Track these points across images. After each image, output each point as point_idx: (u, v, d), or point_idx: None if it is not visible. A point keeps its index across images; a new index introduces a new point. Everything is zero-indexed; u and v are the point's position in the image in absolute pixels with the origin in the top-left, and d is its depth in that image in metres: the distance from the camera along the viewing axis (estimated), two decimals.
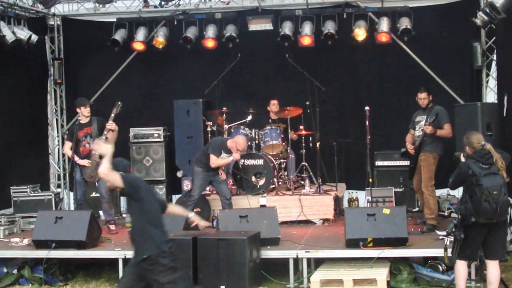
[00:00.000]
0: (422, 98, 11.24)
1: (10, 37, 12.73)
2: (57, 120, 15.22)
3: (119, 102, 11.73)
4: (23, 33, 13.16)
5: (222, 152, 11.60)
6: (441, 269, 9.54)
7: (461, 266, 8.36)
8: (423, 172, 10.80)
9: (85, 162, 11.55)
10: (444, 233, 8.76)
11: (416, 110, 11.47)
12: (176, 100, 14.03)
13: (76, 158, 11.59)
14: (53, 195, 13.37)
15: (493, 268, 8.30)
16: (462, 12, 13.03)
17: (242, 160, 12.59)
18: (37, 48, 14.09)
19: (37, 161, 14.69)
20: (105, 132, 11.55)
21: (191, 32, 13.71)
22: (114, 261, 10.14)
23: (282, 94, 13.81)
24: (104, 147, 7.02)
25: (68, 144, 11.73)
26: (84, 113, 11.70)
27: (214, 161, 11.56)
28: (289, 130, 13.16)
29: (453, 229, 8.25)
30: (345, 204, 13.46)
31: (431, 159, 10.76)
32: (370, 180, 11.93)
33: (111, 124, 11.53)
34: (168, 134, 14.29)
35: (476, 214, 8.01)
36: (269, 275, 9.79)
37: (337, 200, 12.86)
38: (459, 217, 8.23)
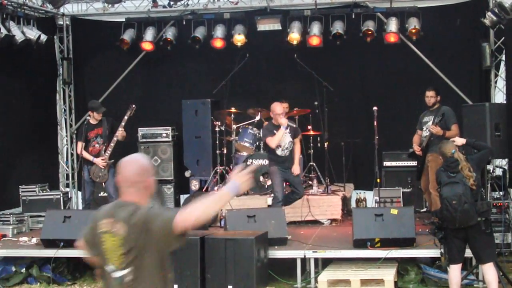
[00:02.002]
0: (429, 96, 11.27)
1: (19, 37, 12.76)
2: (65, 119, 15.25)
3: (133, 105, 11.81)
4: (32, 33, 13.19)
5: (274, 131, 11.43)
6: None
7: (452, 271, 8.44)
8: (431, 172, 10.79)
9: (100, 161, 11.60)
10: None
11: (424, 110, 11.48)
12: (185, 100, 14.08)
13: (91, 157, 11.64)
14: (61, 195, 13.41)
15: (487, 270, 8.38)
16: (471, 12, 13.02)
17: (250, 160, 12.60)
18: (46, 48, 14.11)
19: (46, 160, 14.73)
20: (116, 134, 11.61)
21: (199, 32, 13.72)
22: None
23: (291, 94, 13.81)
24: None
25: (80, 145, 11.78)
26: (96, 117, 11.77)
27: (271, 140, 11.25)
28: None
29: (435, 231, 8.49)
30: (353, 204, 13.46)
31: (438, 159, 10.72)
32: (378, 180, 11.91)
33: (121, 130, 11.60)
34: (177, 134, 14.31)
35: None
36: (277, 275, 9.81)
37: (345, 200, 12.87)
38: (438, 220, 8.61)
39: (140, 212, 4.10)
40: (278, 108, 11.28)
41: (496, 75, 13.02)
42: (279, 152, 11.29)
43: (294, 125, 11.57)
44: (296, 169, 11.34)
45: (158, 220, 4.05)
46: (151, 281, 4.10)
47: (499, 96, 12.93)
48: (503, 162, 12.39)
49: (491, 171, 11.91)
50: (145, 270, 4.09)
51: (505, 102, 12.37)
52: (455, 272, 8.42)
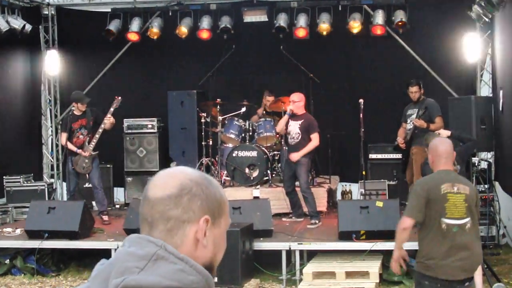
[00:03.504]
0: (413, 91, 11.29)
1: (4, 27, 12.65)
2: (50, 110, 15.15)
3: (120, 97, 11.77)
4: (17, 23, 13.08)
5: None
6: None
7: None
8: (415, 165, 10.81)
9: (84, 152, 11.55)
10: None
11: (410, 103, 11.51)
12: (170, 91, 14.04)
13: (75, 148, 11.59)
14: (46, 185, 13.35)
15: None
16: (457, 5, 13.02)
17: (236, 152, 12.58)
18: (31, 38, 14.02)
19: (31, 151, 14.64)
20: (102, 126, 11.56)
21: (185, 23, 13.66)
22: (107, 251, 10.14)
23: (277, 86, 13.78)
24: None
25: (64, 135, 11.73)
26: (80, 108, 11.71)
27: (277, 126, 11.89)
28: None
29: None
30: (339, 196, 13.46)
31: (423, 152, 10.76)
32: (364, 172, 11.93)
33: (109, 118, 11.54)
34: (162, 125, 14.26)
35: None
36: (262, 267, 9.81)
37: (331, 193, 12.87)
38: None
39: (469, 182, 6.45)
40: (291, 97, 11.54)
41: (482, 68, 13.05)
42: (289, 139, 11.49)
43: (311, 121, 11.38)
44: (292, 155, 11.28)
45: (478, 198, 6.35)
46: (476, 227, 6.15)
47: (484, 89, 12.98)
48: (488, 155, 12.44)
49: (476, 164, 11.95)
50: (474, 219, 6.07)
51: (490, 95, 12.41)
52: None
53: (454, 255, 5.99)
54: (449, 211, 5.99)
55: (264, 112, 13.45)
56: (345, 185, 13.59)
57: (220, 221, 2.07)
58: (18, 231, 11.11)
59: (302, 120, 11.29)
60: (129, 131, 14.16)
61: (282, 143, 13.06)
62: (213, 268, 2.05)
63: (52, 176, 15.07)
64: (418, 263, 6.24)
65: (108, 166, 13.92)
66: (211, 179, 2.08)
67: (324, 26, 13.12)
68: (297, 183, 11.45)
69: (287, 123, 11.42)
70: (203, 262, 2.00)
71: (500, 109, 11.28)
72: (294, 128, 11.33)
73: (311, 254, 10.05)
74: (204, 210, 2.00)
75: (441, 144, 6.25)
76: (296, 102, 11.40)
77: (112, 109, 11.65)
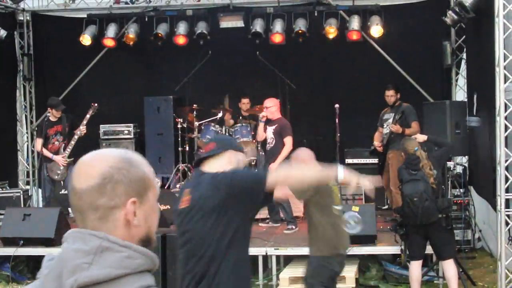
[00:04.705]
0: (389, 95, 11.34)
1: None
2: (26, 116, 15.06)
3: (96, 104, 11.73)
4: None
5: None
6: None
7: (413, 267, 8.53)
8: (392, 170, 10.86)
9: (60, 160, 11.50)
10: None
11: (386, 107, 11.55)
12: (147, 97, 14.03)
13: (50, 155, 11.54)
14: (21, 192, 13.24)
15: (447, 266, 8.49)
16: (432, 11, 13.10)
17: None
18: (6, 44, 13.94)
19: (6, 157, 14.51)
20: (78, 133, 11.52)
21: (162, 29, 13.65)
22: None
23: (253, 91, 13.79)
24: None
25: (40, 141, 11.68)
26: (55, 114, 11.66)
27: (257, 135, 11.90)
28: None
29: (397, 227, 8.61)
30: None
31: (399, 157, 10.78)
32: None
33: (83, 129, 11.52)
34: (139, 131, 14.23)
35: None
36: None
37: None
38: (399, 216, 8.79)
39: None
40: (264, 103, 11.49)
41: (457, 73, 13.15)
42: (266, 145, 11.56)
43: (284, 124, 11.32)
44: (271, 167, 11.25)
45: None
46: None
47: (459, 94, 13.07)
48: (464, 160, 12.51)
49: (451, 169, 12.01)
50: None
51: (465, 100, 12.48)
52: (415, 268, 8.49)
53: (344, 232, 6.85)
54: (336, 199, 7.17)
55: (240, 117, 13.44)
56: None
57: (148, 197, 2.11)
58: None
59: (276, 125, 11.30)
60: (105, 137, 14.12)
61: (259, 148, 13.05)
62: (151, 240, 2.14)
63: (27, 183, 14.96)
64: (323, 249, 6.98)
65: None
66: (132, 158, 2.10)
67: (300, 32, 13.16)
68: None
69: (265, 129, 11.45)
70: (140, 238, 2.09)
71: (474, 113, 11.35)
72: (269, 133, 11.37)
73: (288, 259, 10.04)
74: (129, 193, 2.05)
75: (305, 149, 7.39)
76: (269, 107, 11.41)
77: (88, 116, 11.63)
